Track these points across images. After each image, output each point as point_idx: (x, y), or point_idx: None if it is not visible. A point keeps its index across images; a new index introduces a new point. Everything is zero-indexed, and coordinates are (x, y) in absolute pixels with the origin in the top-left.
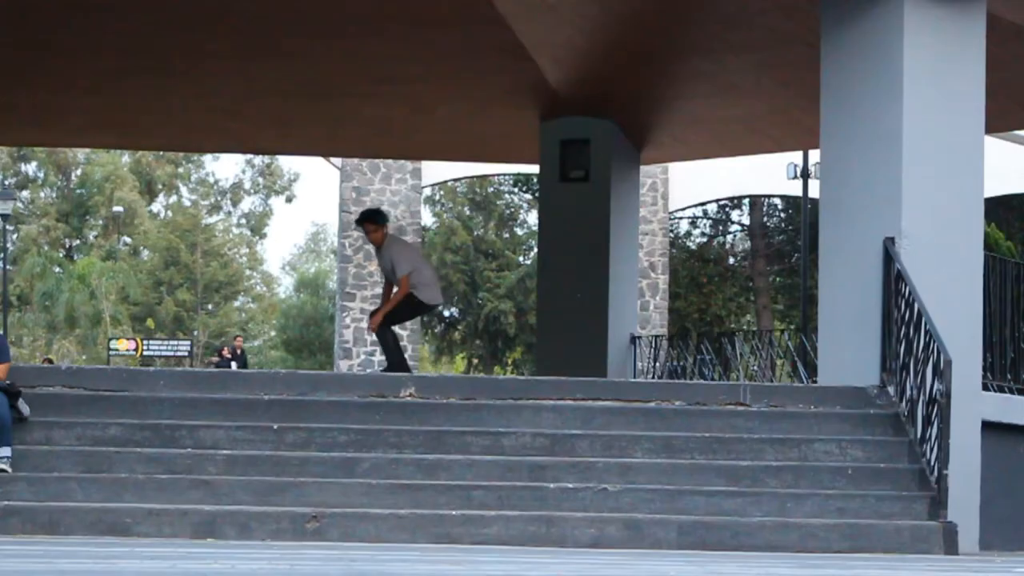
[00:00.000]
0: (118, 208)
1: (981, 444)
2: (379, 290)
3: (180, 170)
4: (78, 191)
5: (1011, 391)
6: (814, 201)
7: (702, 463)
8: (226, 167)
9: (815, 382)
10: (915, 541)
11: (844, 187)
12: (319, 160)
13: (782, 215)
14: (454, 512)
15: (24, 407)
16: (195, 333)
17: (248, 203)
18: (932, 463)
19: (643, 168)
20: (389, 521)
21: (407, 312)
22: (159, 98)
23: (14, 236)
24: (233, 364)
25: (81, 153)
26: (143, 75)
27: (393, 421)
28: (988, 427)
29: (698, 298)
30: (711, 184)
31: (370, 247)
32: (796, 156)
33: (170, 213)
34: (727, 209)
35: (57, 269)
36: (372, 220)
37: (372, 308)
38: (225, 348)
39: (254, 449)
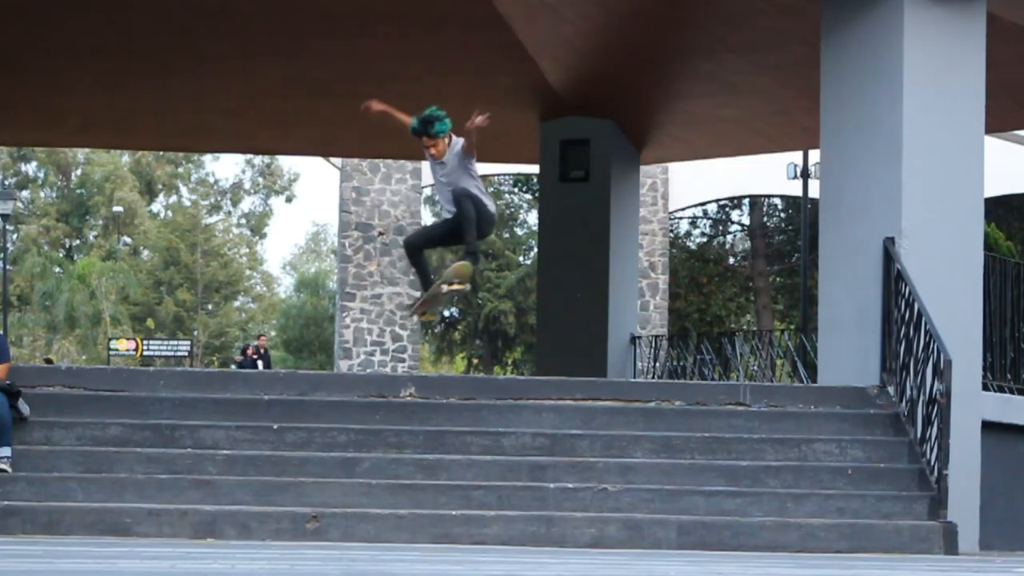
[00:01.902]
0: (118, 208)
1: (981, 444)
2: (379, 290)
3: (180, 170)
4: (78, 191)
5: (1011, 391)
6: (814, 201)
7: (702, 463)
8: (226, 167)
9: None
10: (915, 541)
11: (844, 187)
12: (319, 160)
13: (782, 215)
14: (454, 512)
15: (24, 407)
16: (195, 333)
17: (248, 203)
18: (932, 463)
19: (643, 168)
20: (389, 521)
21: (463, 223)
22: (159, 98)
23: (14, 236)
24: (259, 364)
25: (81, 153)
26: (143, 75)
27: (393, 421)
28: (988, 427)
29: (698, 298)
30: (711, 184)
31: (370, 247)
32: (796, 156)
33: (170, 213)
34: (727, 209)
35: (57, 269)
36: (432, 132)
37: (371, 307)
38: (249, 347)
39: (254, 449)
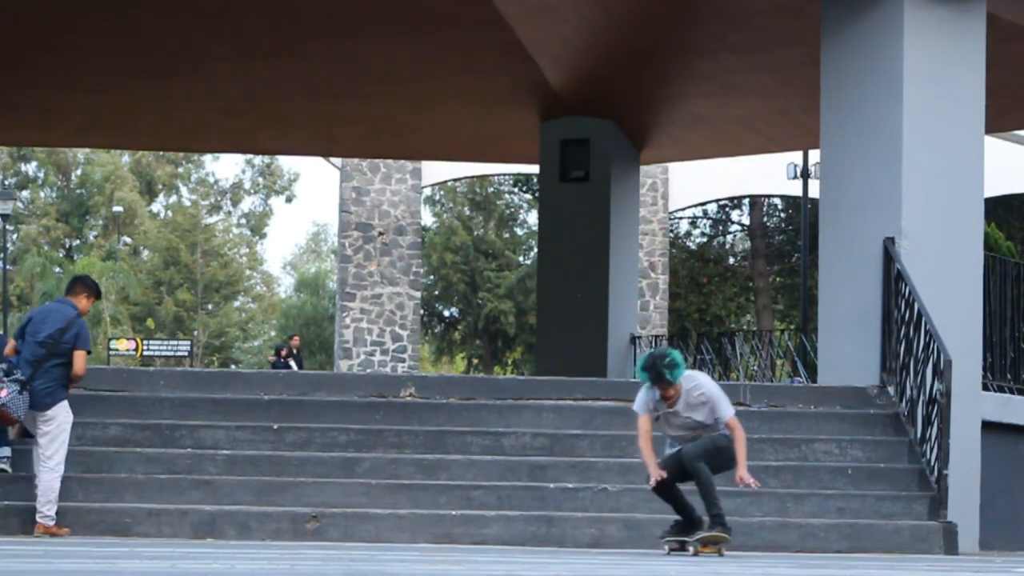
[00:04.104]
0: (118, 208)
1: (981, 444)
2: (379, 290)
3: (180, 170)
4: (78, 191)
5: (1011, 391)
6: (814, 201)
7: None
8: (226, 167)
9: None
10: (915, 541)
11: (844, 187)
12: (319, 160)
13: (782, 215)
14: (454, 512)
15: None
16: (195, 333)
17: (248, 203)
18: (932, 463)
19: (643, 168)
20: (389, 521)
21: (700, 489)
22: (159, 98)
23: (14, 236)
24: (292, 364)
25: (81, 153)
26: (143, 75)
27: (393, 421)
28: (988, 427)
29: (698, 298)
30: (711, 184)
31: (370, 247)
32: (796, 156)
33: (170, 213)
34: (727, 209)
35: (57, 269)
36: (667, 379)
37: (371, 307)
38: (283, 348)
39: (254, 449)
